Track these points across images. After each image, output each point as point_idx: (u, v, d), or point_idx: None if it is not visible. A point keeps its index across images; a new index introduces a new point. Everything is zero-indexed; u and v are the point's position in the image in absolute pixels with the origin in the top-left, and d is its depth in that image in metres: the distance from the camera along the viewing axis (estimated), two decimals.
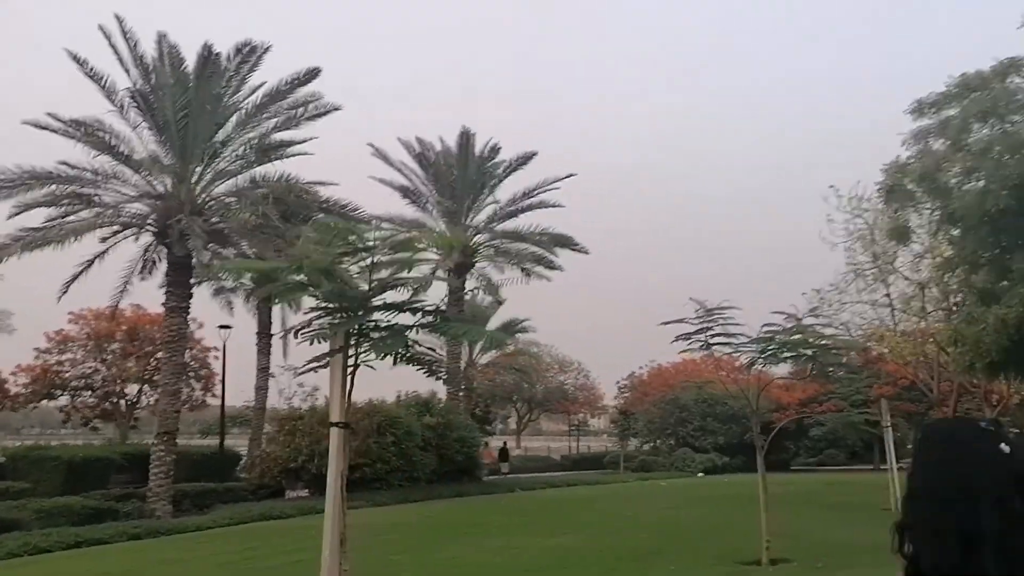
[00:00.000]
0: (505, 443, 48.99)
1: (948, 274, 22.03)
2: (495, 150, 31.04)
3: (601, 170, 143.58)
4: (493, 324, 50.15)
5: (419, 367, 8.15)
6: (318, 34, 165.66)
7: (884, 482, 18.75)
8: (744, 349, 10.88)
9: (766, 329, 10.90)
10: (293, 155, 22.47)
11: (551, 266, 32.38)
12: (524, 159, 31.45)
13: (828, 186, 26.99)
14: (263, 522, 19.52)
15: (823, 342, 10.31)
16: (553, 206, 32.15)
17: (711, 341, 10.93)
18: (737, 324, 10.89)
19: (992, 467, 1.69)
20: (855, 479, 29.66)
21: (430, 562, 13.10)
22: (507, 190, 32.28)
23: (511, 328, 49.85)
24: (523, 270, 32.44)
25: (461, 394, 36.78)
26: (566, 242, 31.16)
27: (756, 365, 11.04)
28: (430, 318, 8.45)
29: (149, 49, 20.70)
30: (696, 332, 10.94)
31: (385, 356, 7.72)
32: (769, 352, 10.73)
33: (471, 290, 34.46)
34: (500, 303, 40.66)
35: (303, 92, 22.08)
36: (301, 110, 21.79)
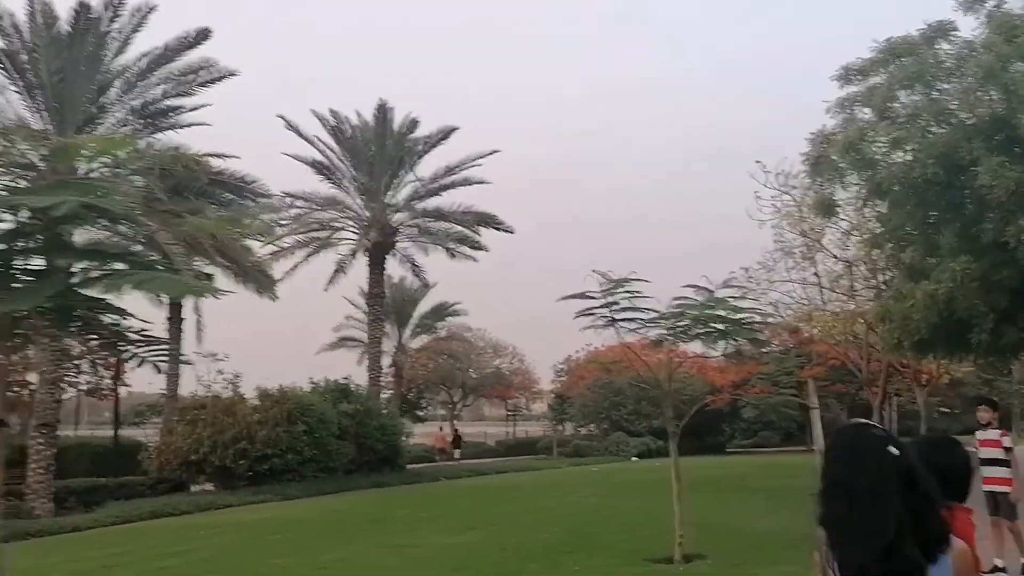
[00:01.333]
0: (457, 429, 48.05)
1: (876, 251, 21.46)
2: (414, 124, 29.61)
3: (542, 147, 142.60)
4: (423, 308, 48.89)
5: (91, 334, 6.10)
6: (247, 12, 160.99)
7: (814, 465, 18.03)
8: (653, 325, 9.81)
9: (677, 303, 9.85)
10: (186, 125, 20.83)
11: (476, 246, 31.17)
12: (445, 133, 30.10)
13: (755, 161, 26.29)
14: (153, 520, 18.02)
15: (738, 316, 9.28)
16: (478, 183, 30.91)
17: (616, 316, 9.84)
18: (646, 298, 9.82)
19: (888, 467, 2.10)
20: (787, 461, 29.20)
21: (316, 564, 11.84)
22: (431, 167, 31.03)
23: (442, 312, 48.61)
24: (447, 250, 31.19)
25: (390, 380, 35.58)
26: (490, 220, 29.98)
27: (666, 342, 9.99)
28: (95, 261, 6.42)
29: (19, 6, 18.85)
30: (600, 307, 9.84)
31: (38, 312, 5.79)
32: (679, 328, 9.68)
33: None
34: (428, 286, 39.29)
35: (195, 57, 20.41)
36: (193, 76, 20.08)
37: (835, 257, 25.88)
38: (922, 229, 18.00)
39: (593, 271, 10.00)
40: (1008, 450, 8.93)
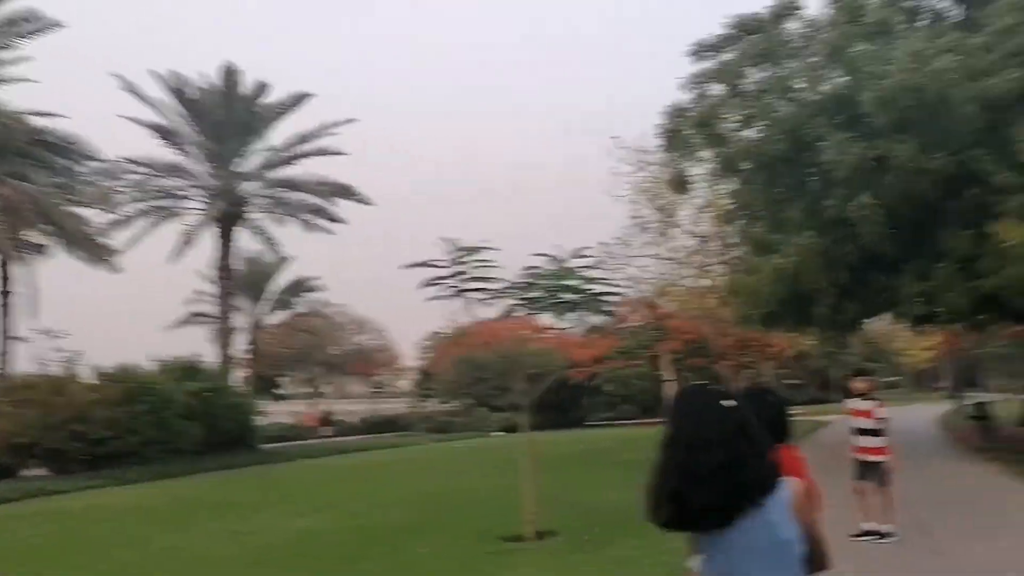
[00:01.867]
0: (329, 407, 46.70)
1: (727, 226, 21.98)
2: (263, 88, 28.08)
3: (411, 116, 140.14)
4: (281, 283, 47.11)
5: None
6: None
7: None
8: (502, 296, 9.41)
9: (527, 272, 9.49)
10: (7, 80, 18.76)
11: (334, 219, 30.06)
12: (297, 99, 28.73)
13: (611, 137, 26.40)
14: None
15: (587, 287, 9.00)
16: (335, 153, 29.81)
17: (464, 286, 9.38)
18: (496, 267, 9.42)
19: (721, 419, 2.39)
20: (645, 433, 29.75)
21: (143, 555, 10.88)
22: (288, 136, 29.59)
23: (300, 287, 47.02)
24: (303, 222, 29.91)
25: (247, 357, 33.94)
26: (347, 192, 28.94)
27: (516, 313, 9.62)
28: None
29: None
30: (448, 276, 9.35)
31: None
32: (529, 299, 9.32)
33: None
34: (283, 259, 37.69)
35: (18, 6, 18.42)
36: (14, 27, 18.13)
37: (689, 233, 26.43)
38: (770, 205, 18.49)
39: (441, 239, 9.52)
40: (881, 420, 9.17)
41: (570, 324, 9.36)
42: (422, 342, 60.12)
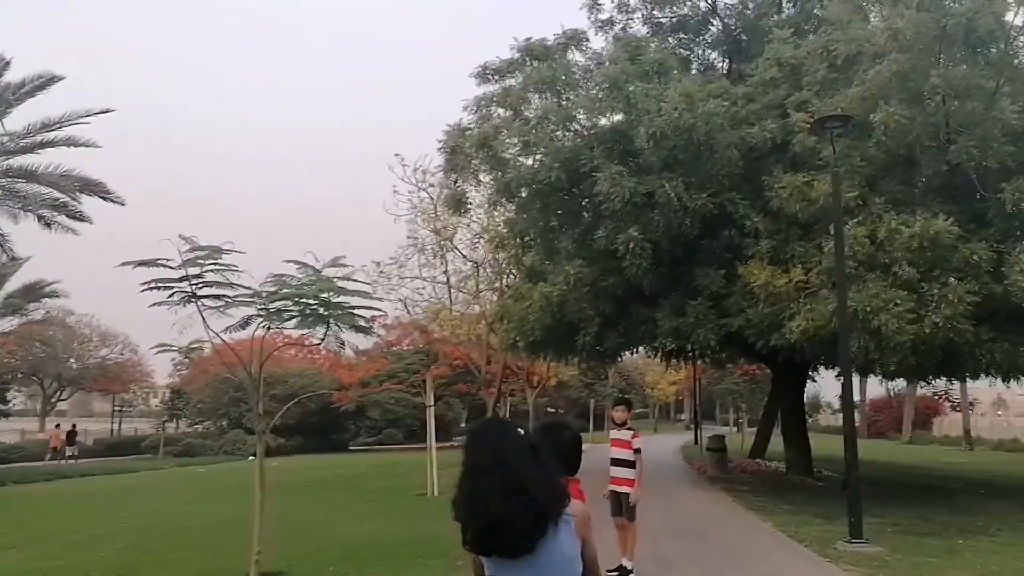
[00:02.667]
0: (74, 425, 41.31)
1: (501, 252, 21.86)
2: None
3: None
4: (12, 286, 41.70)
5: None
6: None
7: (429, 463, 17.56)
8: (243, 301, 8.25)
9: (274, 279, 8.41)
10: None
11: (78, 216, 26.76)
12: (43, 82, 25.45)
13: (394, 154, 25.68)
14: None
15: (340, 299, 8.06)
16: (85, 145, 26.52)
17: (199, 292, 8.13)
18: (239, 272, 8.25)
19: (516, 443, 2.62)
20: (407, 459, 28.91)
21: None
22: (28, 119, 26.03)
23: (35, 291, 41.87)
24: (40, 218, 26.38)
25: None
26: (96, 188, 25.90)
27: (257, 325, 8.47)
28: None
29: None
30: (178, 280, 8.06)
31: None
32: (273, 307, 8.24)
33: None
34: (14, 259, 33.16)
35: None
36: None
37: (464, 257, 26.17)
38: (544, 233, 18.49)
39: (180, 236, 8.21)
40: (636, 451, 8.81)
41: (322, 339, 8.32)
42: (177, 358, 55.60)
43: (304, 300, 7.69)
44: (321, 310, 7.85)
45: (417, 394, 37.74)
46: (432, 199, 25.36)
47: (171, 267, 8.00)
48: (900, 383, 51.15)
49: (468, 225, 25.79)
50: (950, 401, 52.34)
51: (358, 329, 8.26)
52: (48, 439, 40.11)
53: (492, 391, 27.07)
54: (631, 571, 8.66)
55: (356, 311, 8.17)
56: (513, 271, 24.14)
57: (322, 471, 26.29)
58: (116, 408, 59.75)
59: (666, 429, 68.72)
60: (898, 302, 12.58)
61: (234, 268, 8.22)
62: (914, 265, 12.85)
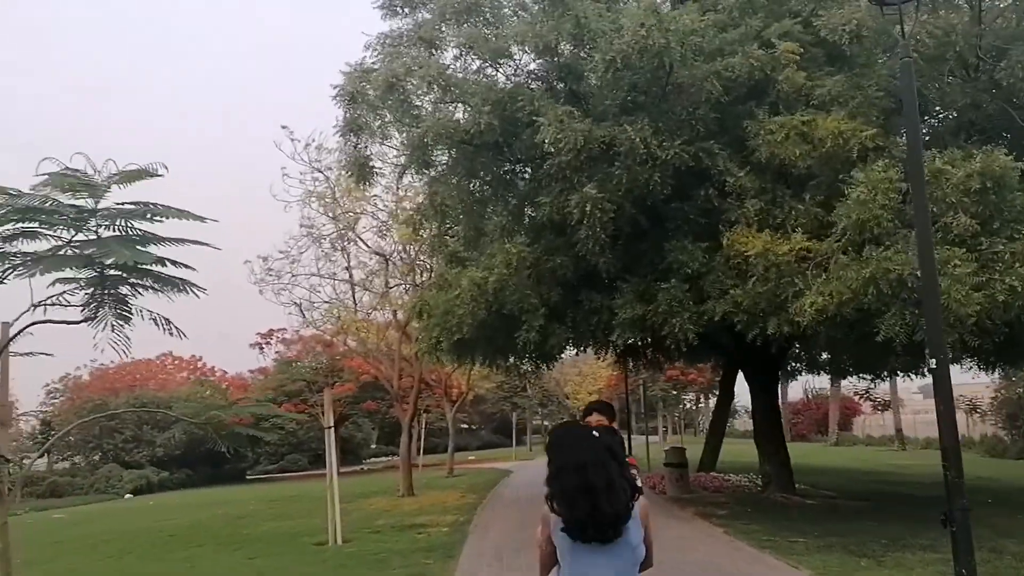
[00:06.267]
0: None
1: (417, 234, 18.05)
2: None
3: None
4: None
5: None
6: None
7: (330, 493, 13.59)
8: None
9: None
10: None
11: None
12: None
13: (281, 126, 21.53)
14: None
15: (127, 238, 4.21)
16: None
17: None
18: None
19: (595, 446, 3.01)
20: (311, 490, 24.45)
21: None
22: None
23: None
24: None
25: None
26: None
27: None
28: None
29: None
30: None
31: None
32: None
33: None
34: None
35: None
36: None
37: (368, 248, 22.10)
38: (470, 206, 14.80)
39: None
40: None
41: (93, 316, 4.46)
42: (52, 386, 48.95)
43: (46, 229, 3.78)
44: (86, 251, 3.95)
45: (315, 417, 33.41)
46: (329, 180, 21.25)
47: None
48: (820, 382, 49.56)
49: (373, 213, 21.87)
50: (872, 400, 50.86)
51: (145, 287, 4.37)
52: None
53: (406, 407, 23.08)
54: None
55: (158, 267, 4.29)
56: (429, 262, 20.34)
57: (203, 511, 21.77)
58: None
59: None
60: (957, 262, 9.43)
61: None
62: (972, 215, 9.75)
